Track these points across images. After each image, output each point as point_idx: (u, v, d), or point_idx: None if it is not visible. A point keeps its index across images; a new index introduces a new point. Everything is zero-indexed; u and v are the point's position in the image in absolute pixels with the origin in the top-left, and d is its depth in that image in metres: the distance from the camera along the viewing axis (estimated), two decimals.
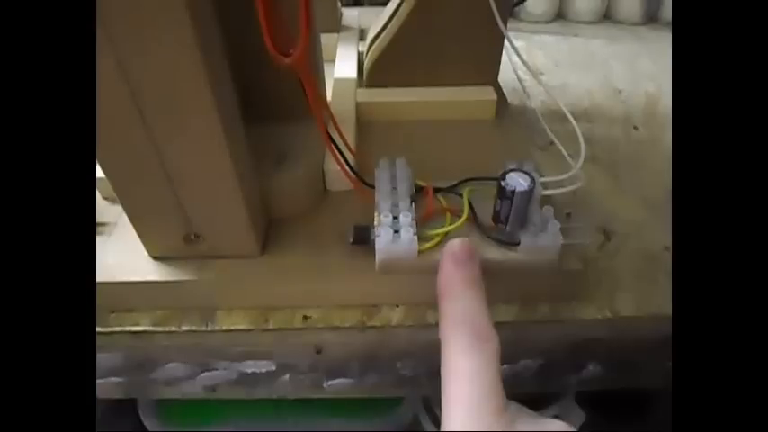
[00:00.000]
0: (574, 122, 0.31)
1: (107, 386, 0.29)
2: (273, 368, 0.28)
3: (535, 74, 0.32)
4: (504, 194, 0.22)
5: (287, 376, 0.28)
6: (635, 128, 0.39)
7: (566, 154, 0.32)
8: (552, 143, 0.33)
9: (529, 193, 0.22)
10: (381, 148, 0.30)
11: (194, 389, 0.29)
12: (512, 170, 0.22)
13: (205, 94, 0.18)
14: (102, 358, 0.27)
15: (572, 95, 0.42)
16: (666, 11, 0.54)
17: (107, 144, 0.20)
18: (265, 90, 0.27)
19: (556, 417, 0.44)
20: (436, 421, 0.46)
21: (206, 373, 0.28)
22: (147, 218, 0.23)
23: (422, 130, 0.33)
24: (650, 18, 0.55)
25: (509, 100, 0.38)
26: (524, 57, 0.31)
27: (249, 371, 0.28)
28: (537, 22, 0.54)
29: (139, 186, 0.22)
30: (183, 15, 0.16)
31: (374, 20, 0.36)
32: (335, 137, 0.24)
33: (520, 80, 0.36)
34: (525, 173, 0.22)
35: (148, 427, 0.42)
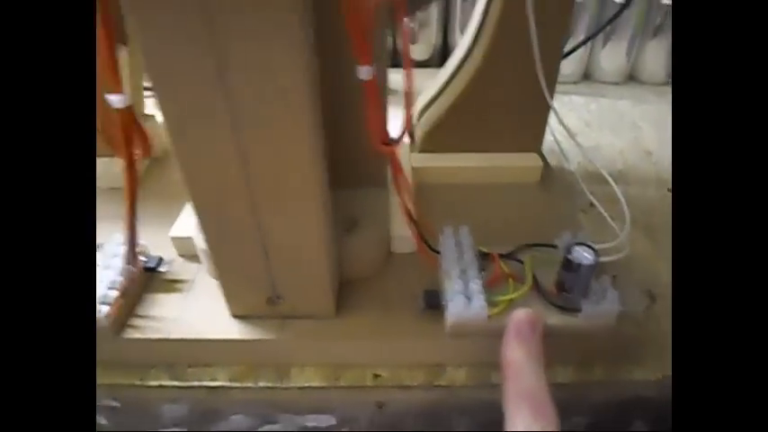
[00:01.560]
0: (615, 187, 0.33)
1: None
2: (334, 422, 0.29)
3: (573, 137, 0.34)
4: (570, 267, 0.24)
5: (345, 429, 0.30)
6: (669, 190, 0.41)
7: (608, 217, 0.34)
8: (592, 205, 0.35)
9: (593, 267, 0.23)
10: (435, 211, 0.32)
11: None
12: (576, 244, 0.24)
13: (313, 178, 0.20)
14: (169, 409, 0.28)
15: (605, 157, 0.44)
16: None
17: (214, 214, 0.22)
18: (338, 159, 0.29)
19: None
20: None
21: (267, 426, 0.30)
22: (236, 280, 0.25)
23: (472, 192, 0.35)
24: None
25: (548, 161, 0.40)
26: (557, 119, 0.34)
27: (310, 425, 0.29)
28: (565, 83, 0.57)
29: (235, 252, 0.23)
30: (305, 108, 0.19)
31: (416, 82, 0.39)
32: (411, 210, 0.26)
33: (557, 142, 0.39)
34: (588, 246, 0.24)
35: None
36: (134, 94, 0.36)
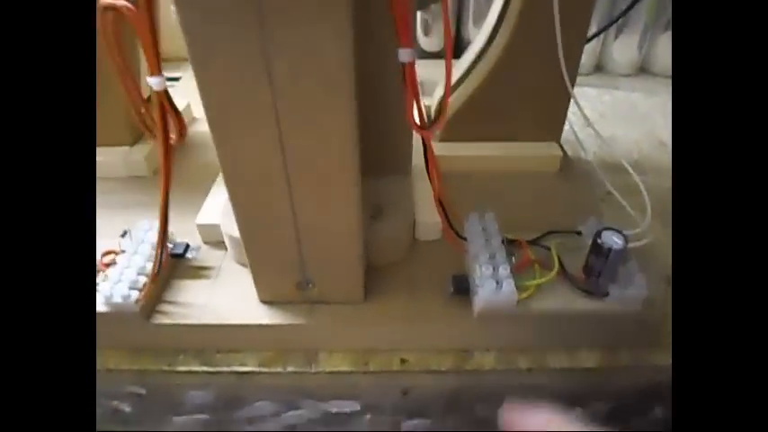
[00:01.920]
0: (635, 175, 0.33)
1: (189, 423, 0.31)
2: (358, 408, 0.29)
3: (593, 127, 0.34)
4: (599, 251, 0.24)
5: (368, 416, 0.30)
6: None
7: (626, 205, 0.34)
8: (609, 193, 0.35)
9: (623, 251, 0.24)
10: (458, 200, 0.32)
11: (275, 427, 0.31)
12: (605, 229, 0.24)
13: (350, 165, 0.21)
14: (194, 395, 0.29)
15: (621, 147, 0.44)
16: None
17: (249, 199, 0.22)
18: (366, 148, 0.29)
19: None
20: None
21: (291, 413, 0.30)
22: (268, 266, 0.25)
23: (493, 181, 0.35)
24: None
25: (566, 151, 0.41)
26: (571, 109, 0.34)
27: (334, 410, 0.29)
28: (578, 75, 0.57)
29: (268, 237, 0.24)
30: (347, 94, 0.19)
31: (429, 73, 0.39)
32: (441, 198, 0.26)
33: (574, 132, 0.39)
34: (618, 231, 0.24)
35: None
36: None
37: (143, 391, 0.29)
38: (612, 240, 0.24)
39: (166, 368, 0.27)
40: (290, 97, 0.19)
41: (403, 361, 0.27)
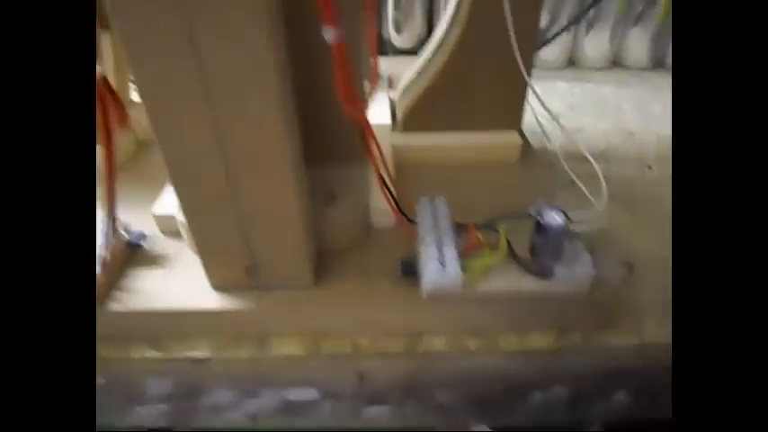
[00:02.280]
0: (594, 163, 0.34)
1: (152, 413, 0.31)
2: (316, 395, 0.29)
3: (555, 118, 0.34)
4: (540, 230, 0.24)
5: (327, 404, 0.30)
6: (649, 167, 0.41)
7: (587, 193, 0.34)
8: (573, 182, 0.35)
9: (563, 228, 0.24)
10: (416, 188, 0.32)
11: (237, 417, 0.31)
12: (546, 207, 0.25)
13: (283, 143, 0.21)
14: (153, 384, 0.29)
15: (588, 138, 0.45)
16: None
17: (189, 181, 0.22)
18: (319, 135, 0.29)
19: None
20: None
21: (251, 401, 0.30)
22: (214, 251, 0.25)
23: (453, 171, 0.35)
24: (657, 63, 0.59)
25: (531, 142, 0.41)
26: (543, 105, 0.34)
27: (293, 398, 0.29)
28: (550, 69, 0.58)
29: (212, 222, 0.24)
30: (272, 73, 0.19)
31: (400, 69, 0.39)
32: (385, 178, 0.26)
33: (540, 124, 0.39)
34: (558, 209, 0.24)
35: None
36: (118, 78, 0.37)
37: (102, 381, 0.29)
38: (552, 218, 0.24)
39: (121, 355, 0.27)
40: (218, 78, 0.19)
41: (355, 344, 0.27)
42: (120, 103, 0.21)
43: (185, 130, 0.21)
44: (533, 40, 0.34)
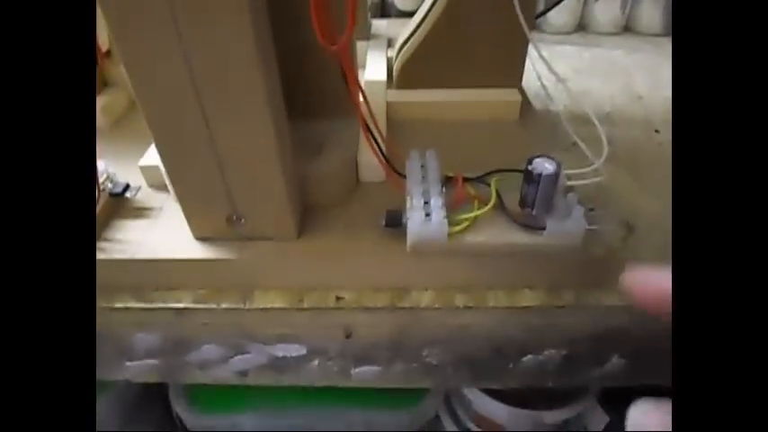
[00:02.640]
0: (597, 122, 0.32)
1: (143, 368, 0.31)
2: (304, 352, 0.29)
3: (561, 79, 0.33)
4: (530, 178, 0.23)
5: (316, 362, 0.30)
6: (656, 131, 0.40)
7: (588, 153, 0.33)
8: (575, 144, 0.34)
9: (555, 176, 0.23)
10: (411, 144, 0.31)
11: (226, 374, 0.31)
12: (537, 156, 0.24)
13: (257, 80, 0.20)
14: (140, 339, 0.29)
15: (594, 100, 0.43)
16: None
17: (164, 128, 0.22)
18: (305, 87, 0.28)
19: (579, 417, 0.44)
20: (456, 419, 0.46)
21: (239, 357, 0.30)
22: (194, 199, 0.25)
23: (449, 128, 0.34)
24: (670, 29, 0.56)
25: (533, 104, 0.39)
26: (546, 65, 0.33)
27: (280, 354, 0.29)
28: (559, 33, 0.56)
29: (191, 169, 0.23)
30: (242, 4, 0.18)
31: (401, 30, 0.38)
32: (371, 128, 0.25)
33: (543, 85, 0.38)
34: (551, 158, 0.23)
35: (179, 413, 0.44)
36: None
37: None
38: (543, 167, 0.23)
39: (105, 305, 0.27)
40: (188, 11, 0.18)
41: (338, 298, 0.26)
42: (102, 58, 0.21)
43: (156, 66, 0.20)
44: None
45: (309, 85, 0.29)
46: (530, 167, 0.23)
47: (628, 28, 0.57)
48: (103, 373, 0.31)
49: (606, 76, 0.47)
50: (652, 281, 0.18)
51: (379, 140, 0.26)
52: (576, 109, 0.41)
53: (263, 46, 0.20)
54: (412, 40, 0.35)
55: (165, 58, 0.20)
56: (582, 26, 0.57)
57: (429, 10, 0.34)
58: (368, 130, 0.24)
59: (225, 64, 0.20)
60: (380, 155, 0.25)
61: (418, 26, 0.35)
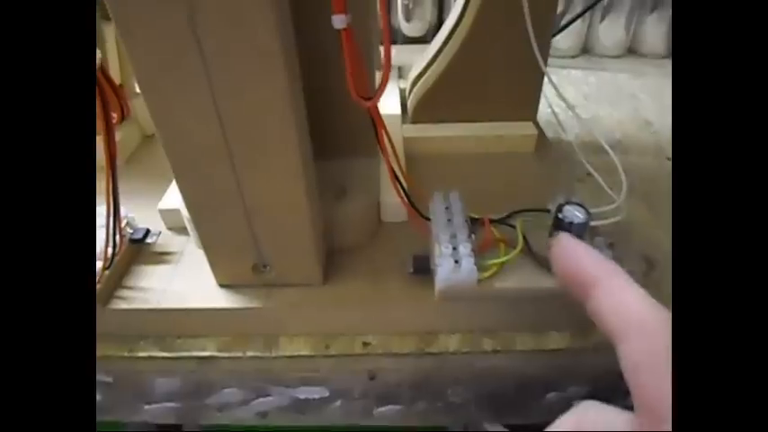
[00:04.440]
0: (612, 154, 0.32)
1: (161, 411, 0.30)
2: (327, 394, 0.29)
3: (572, 108, 0.33)
4: (561, 226, 0.23)
5: (338, 403, 0.29)
6: (668, 159, 0.40)
7: (605, 185, 0.33)
8: (589, 174, 0.34)
9: (585, 225, 0.23)
10: (429, 181, 0.31)
11: (245, 414, 0.30)
12: (567, 203, 0.23)
13: (290, 134, 0.20)
14: (161, 383, 0.28)
15: (604, 128, 0.43)
16: None
17: (192, 180, 0.22)
18: (327, 128, 0.28)
19: None
20: None
21: (260, 399, 0.29)
22: (221, 247, 0.24)
23: (466, 163, 0.34)
24: None
25: (545, 134, 0.40)
26: (555, 91, 0.33)
27: (302, 397, 0.29)
28: (564, 57, 0.56)
29: (218, 218, 0.23)
30: (278, 62, 0.18)
31: (410, 58, 0.38)
32: (396, 171, 0.25)
33: (555, 114, 0.38)
34: (579, 205, 0.23)
35: None
36: (123, 69, 0.36)
37: (110, 380, 0.29)
38: (574, 214, 0.23)
39: (127, 354, 0.26)
40: (221, 68, 0.18)
41: (365, 344, 0.26)
42: (120, 93, 0.20)
43: (187, 121, 0.20)
44: (551, 27, 0.32)
45: (331, 126, 0.29)
46: (560, 215, 0.23)
47: (632, 50, 0.57)
48: (120, 414, 0.31)
49: (614, 101, 0.48)
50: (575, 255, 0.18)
51: (404, 184, 0.26)
52: (588, 137, 0.42)
53: (297, 103, 0.20)
54: (427, 74, 0.35)
55: (198, 115, 0.19)
56: (586, 49, 0.57)
57: (444, 44, 0.34)
58: (394, 176, 0.24)
59: (259, 121, 0.20)
60: (407, 200, 0.25)
61: (432, 60, 0.35)
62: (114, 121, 0.22)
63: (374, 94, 0.20)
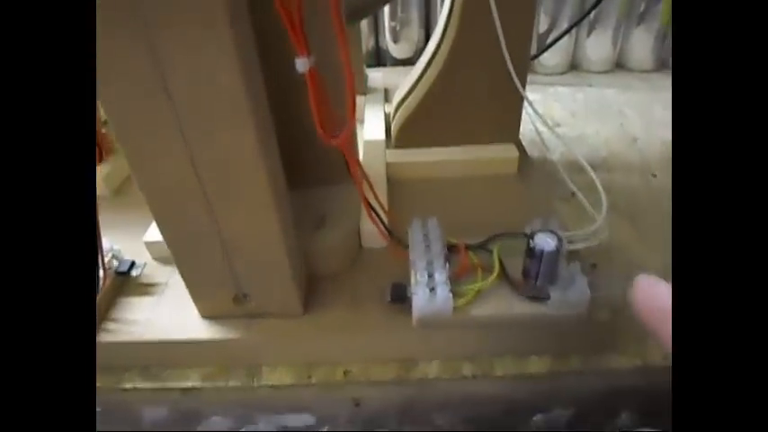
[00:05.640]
0: (592, 173, 0.33)
1: None
2: (313, 422, 0.29)
3: (552, 128, 0.34)
4: (533, 254, 0.23)
5: (325, 428, 0.29)
6: (653, 175, 0.40)
7: (587, 205, 0.33)
8: (574, 194, 0.34)
9: (556, 253, 0.23)
10: (411, 206, 0.31)
11: None
12: (539, 231, 0.24)
13: (260, 173, 0.20)
14: (149, 412, 0.29)
15: (590, 146, 0.44)
16: None
17: (170, 215, 0.22)
18: (305, 159, 0.29)
19: None
20: None
21: (247, 427, 0.29)
22: (200, 281, 0.25)
23: (449, 187, 0.35)
24: (661, 64, 0.57)
25: (529, 152, 0.40)
26: (541, 109, 0.33)
27: (290, 424, 0.29)
28: (551, 74, 0.56)
29: (196, 253, 0.24)
30: (245, 104, 0.19)
31: (397, 80, 0.39)
32: (371, 200, 0.26)
33: (539, 133, 0.38)
34: (552, 232, 0.24)
35: None
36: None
37: (99, 409, 0.29)
38: (545, 242, 0.23)
39: (113, 385, 0.27)
40: (190, 112, 0.19)
41: (346, 372, 0.26)
42: (100, 136, 0.21)
43: (160, 164, 0.20)
44: (527, 52, 0.33)
45: (309, 155, 0.29)
46: (531, 244, 0.23)
47: (619, 65, 0.57)
48: None
49: (600, 117, 0.48)
50: (656, 297, 0.18)
51: (381, 214, 0.26)
52: (573, 156, 0.42)
53: (266, 140, 0.20)
54: (409, 99, 0.35)
55: (170, 156, 0.20)
56: (574, 65, 0.58)
57: (425, 68, 0.35)
58: (370, 206, 0.24)
59: (229, 160, 0.20)
60: (383, 228, 0.26)
61: (415, 84, 0.36)
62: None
63: (343, 128, 0.21)
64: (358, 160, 0.23)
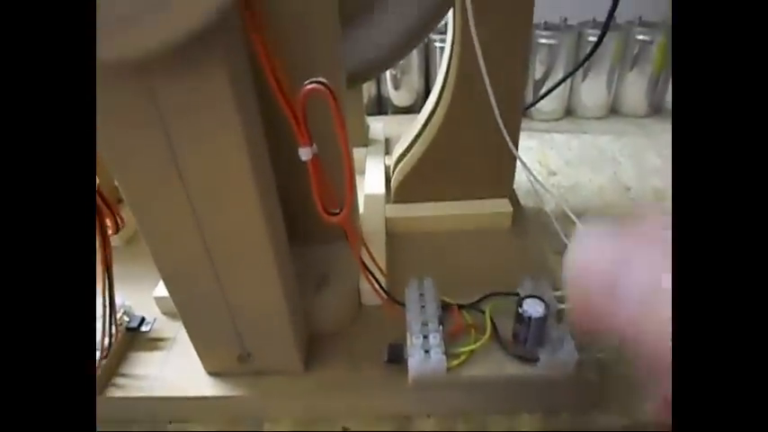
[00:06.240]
0: (581, 227, 0.34)
1: None
2: None
3: (546, 180, 0.35)
4: (521, 320, 0.25)
5: None
6: None
7: None
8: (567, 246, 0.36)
9: (543, 319, 0.24)
10: (409, 261, 0.33)
11: None
12: (528, 296, 0.25)
13: (265, 245, 0.22)
14: None
15: (583, 195, 0.45)
16: (670, 102, 0.58)
17: (179, 281, 0.24)
18: (310, 218, 0.30)
19: None
20: None
21: None
22: (206, 340, 0.26)
23: (445, 241, 0.36)
24: (655, 110, 0.59)
25: (524, 202, 0.41)
26: (537, 157, 0.35)
27: None
28: (548, 120, 0.58)
29: (203, 315, 0.25)
30: (253, 189, 0.20)
31: (398, 129, 0.40)
32: (368, 262, 0.27)
33: (533, 183, 0.40)
34: (540, 299, 0.25)
35: None
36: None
37: None
38: (534, 309, 0.25)
39: None
40: (202, 193, 0.20)
41: (345, 428, 0.28)
42: (113, 208, 0.23)
43: (171, 233, 0.22)
44: (519, 114, 0.35)
45: (313, 215, 0.31)
46: (520, 310, 0.25)
47: (614, 110, 0.59)
48: None
49: (594, 166, 0.49)
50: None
51: (378, 274, 0.28)
52: (567, 206, 0.43)
53: (272, 215, 0.22)
54: (408, 157, 0.37)
55: (182, 232, 0.22)
56: (569, 111, 0.60)
57: (423, 126, 0.37)
58: (367, 269, 0.26)
59: (236, 233, 0.22)
60: (381, 290, 0.27)
61: (413, 141, 0.37)
62: (110, 232, 0.24)
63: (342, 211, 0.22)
64: (357, 231, 0.24)
